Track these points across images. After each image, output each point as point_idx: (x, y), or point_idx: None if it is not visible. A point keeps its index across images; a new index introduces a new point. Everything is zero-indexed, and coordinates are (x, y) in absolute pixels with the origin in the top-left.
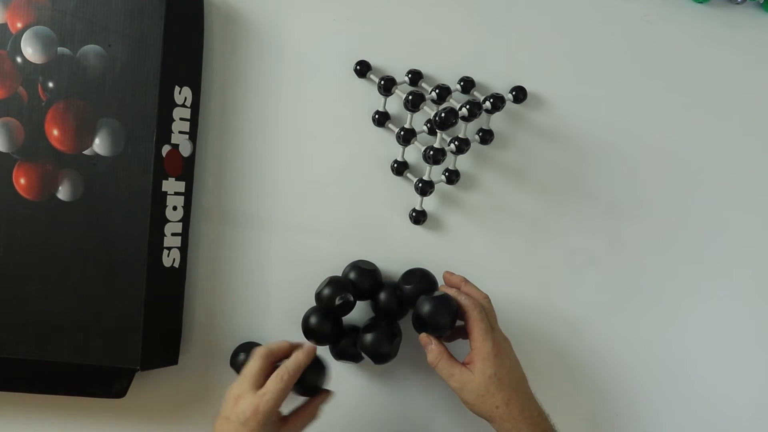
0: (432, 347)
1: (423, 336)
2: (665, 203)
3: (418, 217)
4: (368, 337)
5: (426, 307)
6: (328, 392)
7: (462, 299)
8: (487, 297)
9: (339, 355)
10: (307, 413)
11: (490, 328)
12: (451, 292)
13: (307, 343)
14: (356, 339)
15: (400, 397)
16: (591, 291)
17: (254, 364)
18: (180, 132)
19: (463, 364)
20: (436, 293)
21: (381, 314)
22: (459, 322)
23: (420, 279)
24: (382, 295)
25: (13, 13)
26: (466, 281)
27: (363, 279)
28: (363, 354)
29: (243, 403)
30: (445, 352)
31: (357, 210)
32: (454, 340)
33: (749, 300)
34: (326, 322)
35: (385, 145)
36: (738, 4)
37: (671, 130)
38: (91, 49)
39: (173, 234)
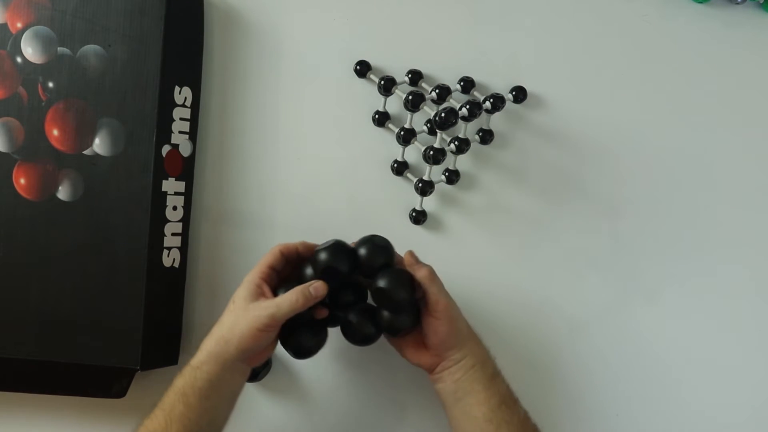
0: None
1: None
2: (665, 203)
3: (418, 217)
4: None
5: (382, 283)
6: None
7: (419, 273)
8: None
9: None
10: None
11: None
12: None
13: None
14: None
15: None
16: (591, 291)
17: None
18: (180, 132)
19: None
20: (392, 268)
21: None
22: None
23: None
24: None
25: (13, 13)
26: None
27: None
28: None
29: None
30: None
31: (357, 210)
32: (408, 334)
33: (751, 299)
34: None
35: (385, 145)
36: (738, 4)
37: (671, 130)
38: (91, 49)
39: (173, 234)
